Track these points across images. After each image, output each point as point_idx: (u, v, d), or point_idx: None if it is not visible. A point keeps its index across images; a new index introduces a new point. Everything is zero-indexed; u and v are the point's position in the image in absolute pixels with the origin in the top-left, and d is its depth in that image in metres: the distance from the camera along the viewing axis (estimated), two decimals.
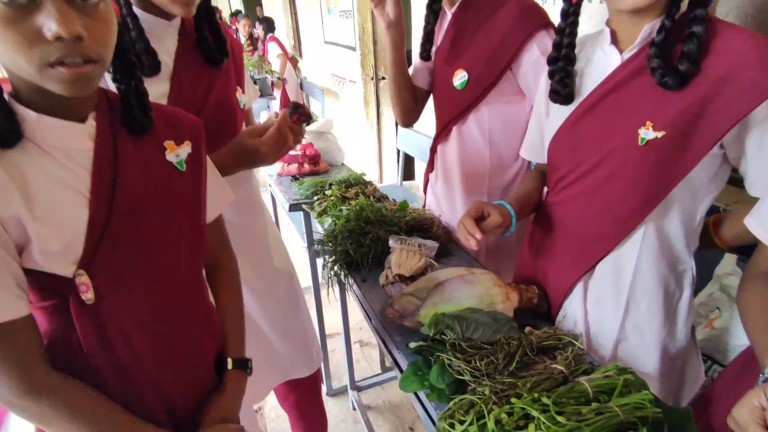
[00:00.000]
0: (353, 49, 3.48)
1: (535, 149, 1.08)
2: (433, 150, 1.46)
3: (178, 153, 0.74)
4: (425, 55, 1.33)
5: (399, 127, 2.74)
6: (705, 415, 0.82)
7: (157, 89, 0.94)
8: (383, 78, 3.49)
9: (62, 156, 0.62)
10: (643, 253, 0.87)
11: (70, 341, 0.64)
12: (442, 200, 1.47)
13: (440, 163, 1.44)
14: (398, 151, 2.76)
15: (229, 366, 0.83)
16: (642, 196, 0.83)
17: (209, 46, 1.00)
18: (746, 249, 1.05)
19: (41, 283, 0.62)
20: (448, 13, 1.26)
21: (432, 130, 1.50)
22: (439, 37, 1.32)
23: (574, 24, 0.87)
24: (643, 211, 0.84)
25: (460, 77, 1.24)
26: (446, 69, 1.28)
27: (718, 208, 1.03)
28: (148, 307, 0.69)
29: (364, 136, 3.72)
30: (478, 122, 1.28)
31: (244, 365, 0.85)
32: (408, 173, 2.98)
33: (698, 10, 0.73)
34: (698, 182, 0.82)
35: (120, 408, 0.67)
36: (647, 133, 0.79)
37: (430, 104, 1.47)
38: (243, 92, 1.13)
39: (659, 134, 0.78)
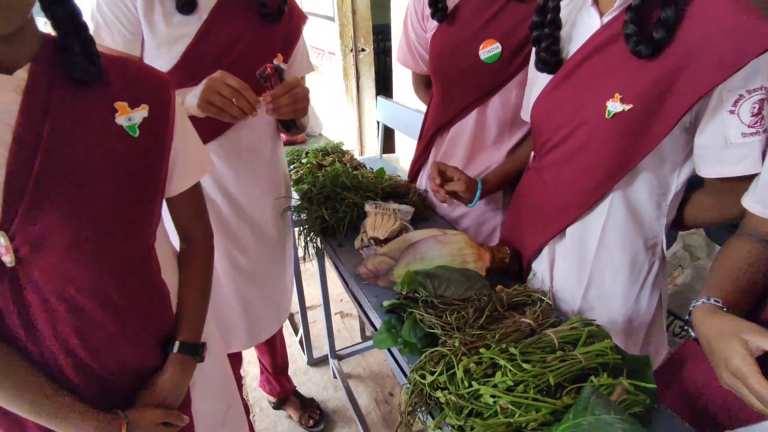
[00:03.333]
0: (332, 19, 3.39)
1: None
2: (433, 138, 1.27)
3: (130, 116, 0.67)
4: (441, 15, 1.11)
5: (378, 98, 2.72)
6: (678, 376, 0.84)
7: (186, 29, 0.97)
8: (363, 50, 3.43)
9: None
10: (609, 224, 0.86)
11: None
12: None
13: (445, 150, 1.25)
14: (378, 124, 2.74)
15: (175, 348, 0.77)
16: (605, 170, 0.82)
17: (265, 5, 1.03)
18: None
19: None
20: None
21: (412, 102, 1.46)
22: None
23: None
24: (606, 184, 0.83)
25: (490, 49, 1.07)
26: (468, 38, 1.09)
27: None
28: (76, 281, 0.64)
29: (345, 109, 3.67)
30: (504, 101, 1.13)
31: (193, 350, 0.79)
32: (388, 146, 2.97)
33: None
34: (669, 156, 0.80)
35: (33, 371, 0.63)
36: (615, 105, 0.77)
37: (406, 74, 1.41)
38: (284, 61, 1.14)
39: (627, 107, 0.76)
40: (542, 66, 0.89)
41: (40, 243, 0.60)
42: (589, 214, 0.88)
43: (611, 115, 0.78)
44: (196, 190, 0.83)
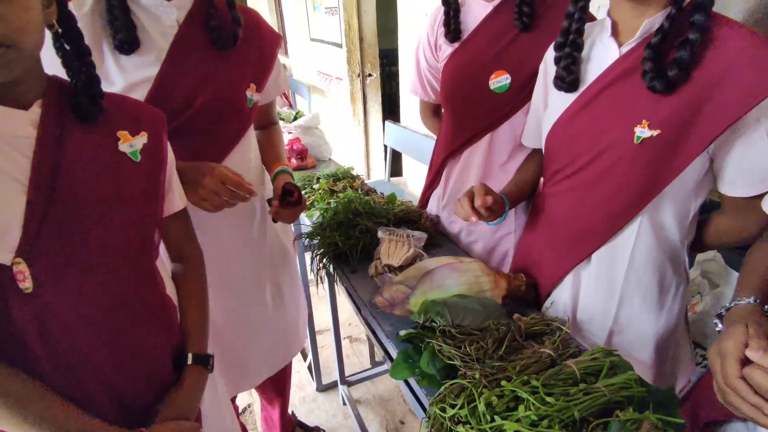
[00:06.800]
0: (339, 46, 3.46)
1: (533, 137, 1.08)
2: (443, 164, 1.28)
3: (132, 143, 0.73)
4: (453, 36, 1.13)
5: (386, 123, 2.75)
6: (692, 409, 0.82)
7: (144, 72, 0.90)
8: (370, 75, 3.49)
9: (1, 143, 0.60)
10: (638, 246, 0.88)
11: (10, 331, 0.62)
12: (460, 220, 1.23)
13: (457, 175, 1.27)
14: (385, 147, 2.76)
15: (189, 361, 0.81)
16: (634, 194, 0.84)
17: (216, 29, 0.93)
18: None
19: None
20: (488, 4, 1.10)
21: (419, 126, 1.48)
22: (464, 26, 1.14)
23: (584, 9, 0.86)
24: (634, 208, 0.85)
25: (500, 80, 1.10)
26: (480, 67, 1.12)
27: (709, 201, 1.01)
28: (90, 299, 0.67)
29: (351, 133, 3.71)
30: (513, 127, 1.15)
31: (204, 361, 0.83)
32: (395, 169, 2.99)
33: (697, 15, 0.71)
34: (690, 179, 0.82)
35: (58, 398, 0.65)
36: (643, 131, 0.79)
37: (413, 98, 1.43)
38: (258, 90, 1.04)
39: (654, 132, 0.78)
40: (559, 83, 0.91)
41: (58, 269, 0.63)
42: (617, 238, 0.89)
43: (640, 141, 0.79)
44: (186, 211, 0.88)
